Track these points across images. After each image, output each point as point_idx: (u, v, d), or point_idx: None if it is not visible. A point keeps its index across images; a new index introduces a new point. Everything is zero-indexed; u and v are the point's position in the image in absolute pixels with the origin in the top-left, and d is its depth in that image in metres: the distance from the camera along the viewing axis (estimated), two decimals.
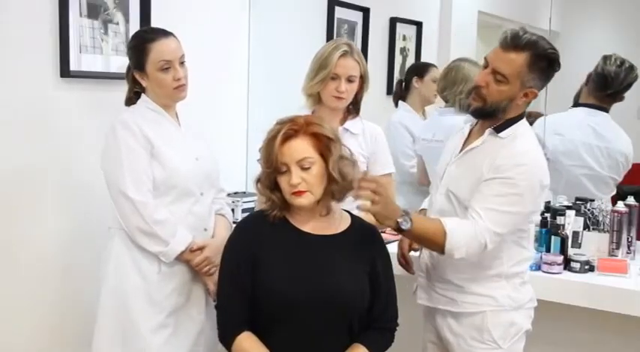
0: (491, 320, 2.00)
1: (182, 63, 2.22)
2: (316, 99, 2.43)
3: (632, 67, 2.92)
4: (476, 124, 2.07)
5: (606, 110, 2.98)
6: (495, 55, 1.95)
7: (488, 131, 1.99)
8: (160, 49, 2.18)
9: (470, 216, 1.92)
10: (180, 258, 2.21)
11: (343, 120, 2.47)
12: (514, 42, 1.91)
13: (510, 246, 2.00)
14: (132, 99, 2.30)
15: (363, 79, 2.43)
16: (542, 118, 2.99)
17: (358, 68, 2.39)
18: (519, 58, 1.90)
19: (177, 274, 2.23)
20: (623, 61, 2.93)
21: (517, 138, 1.96)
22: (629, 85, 2.93)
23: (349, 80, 2.37)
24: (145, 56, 2.18)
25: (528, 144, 1.98)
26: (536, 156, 1.97)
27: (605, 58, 2.95)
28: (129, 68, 2.29)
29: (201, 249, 2.23)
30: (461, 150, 2.05)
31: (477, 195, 1.92)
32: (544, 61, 1.92)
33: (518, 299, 2.03)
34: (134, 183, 2.13)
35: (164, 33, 2.23)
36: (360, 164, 2.36)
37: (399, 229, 1.87)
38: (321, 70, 2.36)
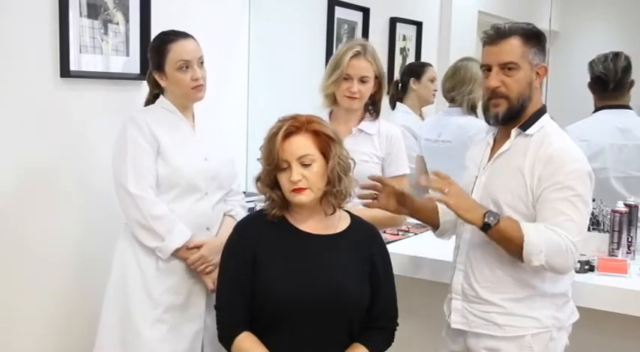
0: (534, 343, 1.92)
1: (201, 64, 2.28)
2: (332, 99, 2.44)
3: (616, 54, 2.93)
4: (498, 132, 2.02)
5: (628, 107, 2.95)
6: (492, 54, 1.94)
7: (514, 131, 1.94)
8: (178, 50, 2.24)
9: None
10: (177, 255, 2.23)
11: (360, 122, 2.45)
12: (499, 33, 1.93)
13: None
14: (150, 102, 2.35)
15: (379, 80, 2.41)
16: (566, 129, 2.96)
17: (371, 69, 2.38)
18: (515, 41, 1.91)
19: (175, 271, 2.25)
20: (606, 56, 2.93)
21: (551, 135, 1.92)
22: (626, 70, 2.92)
23: (362, 81, 2.36)
24: (164, 56, 2.24)
25: (563, 140, 1.93)
26: (575, 149, 1.92)
27: (590, 63, 2.96)
28: (150, 70, 2.34)
29: (198, 247, 2.24)
30: (489, 160, 2.00)
31: (542, 212, 1.85)
32: (533, 37, 1.94)
33: (562, 319, 1.97)
34: (135, 178, 2.18)
35: (184, 35, 2.29)
36: (374, 165, 2.38)
37: (484, 225, 1.82)
38: (335, 71, 2.37)
